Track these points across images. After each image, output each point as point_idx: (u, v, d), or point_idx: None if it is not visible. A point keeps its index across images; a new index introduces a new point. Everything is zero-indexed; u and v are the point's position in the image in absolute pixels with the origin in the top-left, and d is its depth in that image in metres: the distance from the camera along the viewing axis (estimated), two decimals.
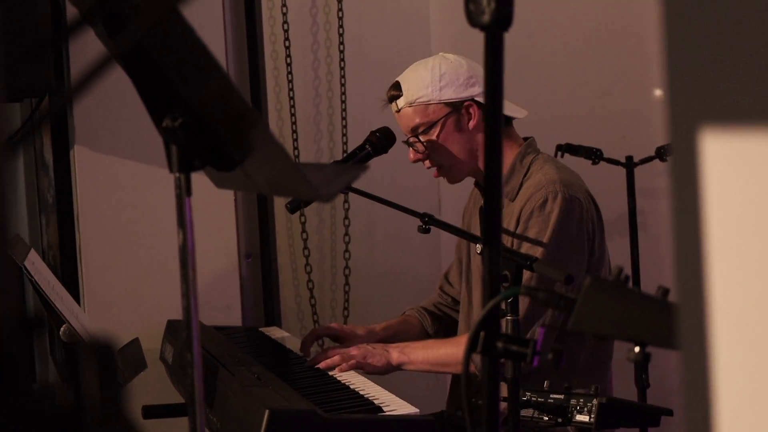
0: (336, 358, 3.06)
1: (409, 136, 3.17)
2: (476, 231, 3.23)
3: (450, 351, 3.07)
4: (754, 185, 0.65)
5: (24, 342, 0.71)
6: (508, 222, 3.07)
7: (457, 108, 3.13)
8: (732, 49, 0.67)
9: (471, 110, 3.13)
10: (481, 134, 3.14)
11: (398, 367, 3.10)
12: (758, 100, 0.63)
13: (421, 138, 3.14)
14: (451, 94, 3.11)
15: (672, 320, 1.39)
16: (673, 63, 0.67)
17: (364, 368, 3.06)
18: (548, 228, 2.98)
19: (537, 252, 2.92)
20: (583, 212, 3.03)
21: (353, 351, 3.09)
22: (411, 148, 3.18)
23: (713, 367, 0.70)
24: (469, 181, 3.32)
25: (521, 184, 3.11)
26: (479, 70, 3.11)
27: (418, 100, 3.12)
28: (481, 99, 3.12)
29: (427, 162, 3.18)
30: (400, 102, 3.15)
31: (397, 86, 3.17)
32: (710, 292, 0.69)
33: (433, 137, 3.13)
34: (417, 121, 3.14)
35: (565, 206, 3.01)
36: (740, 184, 0.66)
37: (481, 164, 3.16)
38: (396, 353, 3.09)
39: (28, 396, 0.66)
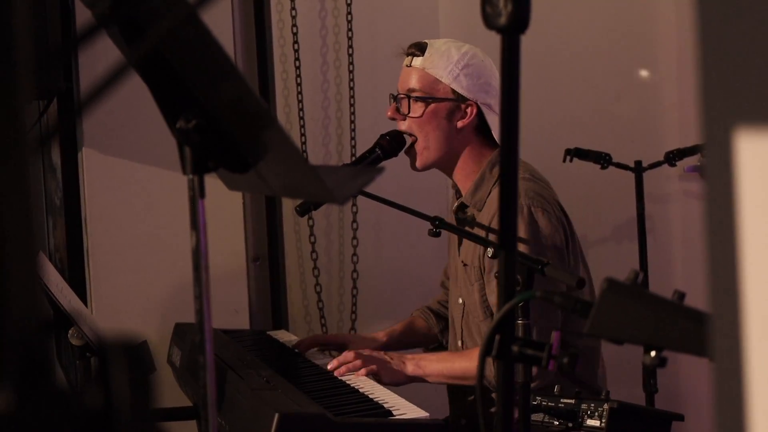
0: (359, 362, 3.04)
1: (401, 93, 3.15)
2: (454, 237, 3.23)
3: (465, 365, 3.05)
4: None
5: (49, 342, 0.71)
6: (479, 231, 3.05)
7: (459, 100, 3.10)
8: (766, 48, 0.66)
9: (469, 110, 3.10)
10: (463, 136, 3.12)
11: (413, 379, 3.08)
12: None
13: (411, 102, 3.12)
14: (463, 86, 3.08)
15: (690, 325, 1.38)
16: (707, 62, 0.66)
17: (381, 379, 3.03)
18: (521, 243, 2.95)
19: None
20: (554, 222, 3.01)
21: (371, 358, 3.07)
22: (394, 103, 3.15)
23: (747, 377, 0.69)
24: None
25: (489, 194, 3.08)
26: (498, 84, 3.09)
27: (432, 70, 3.10)
28: (484, 108, 3.10)
29: (400, 124, 3.15)
30: (416, 61, 3.12)
31: (422, 46, 3.14)
32: (745, 298, 0.68)
33: (422, 109, 3.11)
34: (418, 86, 3.11)
35: (535, 220, 2.98)
36: None
37: (458, 165, 3.15)
38: (411, 366, 3.07)
39: (56, 397, 0.66)
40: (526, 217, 2.97)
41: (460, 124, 3.10)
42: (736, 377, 0.68)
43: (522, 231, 2.95)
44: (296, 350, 3.36)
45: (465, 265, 3.13)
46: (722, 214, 0.66)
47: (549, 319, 2.93)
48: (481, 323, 3.10)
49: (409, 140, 3.13)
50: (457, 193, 3.23)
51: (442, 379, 3.10)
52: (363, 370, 3.01)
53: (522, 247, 2.92)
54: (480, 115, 3.10)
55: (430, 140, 3.11)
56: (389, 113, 3.16)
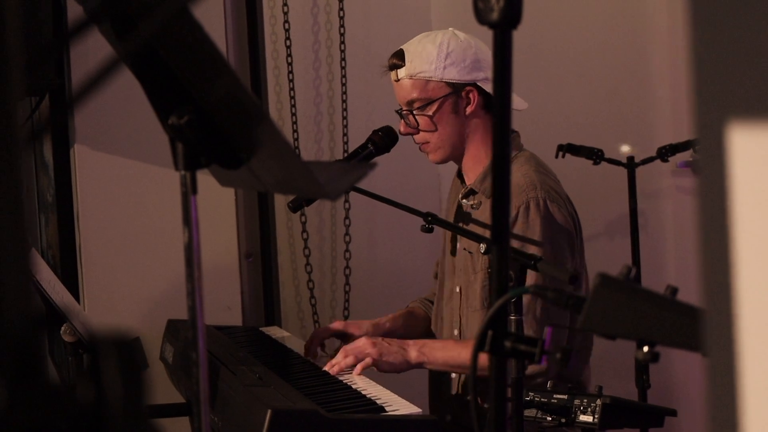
0: (350, 359, 2.98)
1: (404, 108, 3.13)
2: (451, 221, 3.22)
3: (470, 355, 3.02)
4: None
5: (42, 339, 0.71)
6: (487, 219, 3.05)
7: (457, 90, 3.08)
8: (759, 43, 0.66)
9: (471, 95, 3.08)
10: (475, 120, 3.11)
11: (416, 366, 3.02)
12: None
13: (416, 113, 3.10)
14: (454, 75, 3.06)
15: (683, 320, 1.39)
16: (699, 56, 0.66)
17: (380, 366, 2.98)
18: (534, 236, 2.95)
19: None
20: (566, 217, 3.00)
21: (368, 349, 2.99)
22: (402, 120, 3.14)
23: (740, 372, 0.69)
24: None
25: None
26: (487, 54, 3.06)
27: (419, 74, 3.07)
28: (483, 84, 3.09)
29: (416, 137, 3.13)
30: (401, 72, 3.10)
31: (400, 55, 3.11)
32: (738, 293, 0.68)
33: (428, 115, 3.09)
34: (414, 95, 3.08)
35: (549, 213, 2.97)
36: None
37: (469, 150, 3.14)
38: (415, 352, 3.00)
39: (48, 392, 0.66)
40: (542, 210, 2.96)
41: (468, 110, 3.09)
42: (729, 372, 0.68)
43: (538, 224, 2.95)
44: (308, 357, 3.30)
45: (470, 252, 3.11)
46: (715, 209, 0.66)
47: (550, 317, 2.94)
48: (476, 312, 3.08)
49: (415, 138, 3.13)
50: (462, 181, 3.22)
51: (445, 367, 3.06)
52: (358, 368, 2.96)
53: (539, 238, 2.93)
54: (482, 92, 3.09)
55: (443, 139, 3.10)
56: (402, 129, 3.14)
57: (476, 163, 3.14)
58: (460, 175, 3.25)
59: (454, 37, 3.08)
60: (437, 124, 3.08)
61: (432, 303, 3.50)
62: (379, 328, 3.32)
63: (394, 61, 3.12)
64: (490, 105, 3.10)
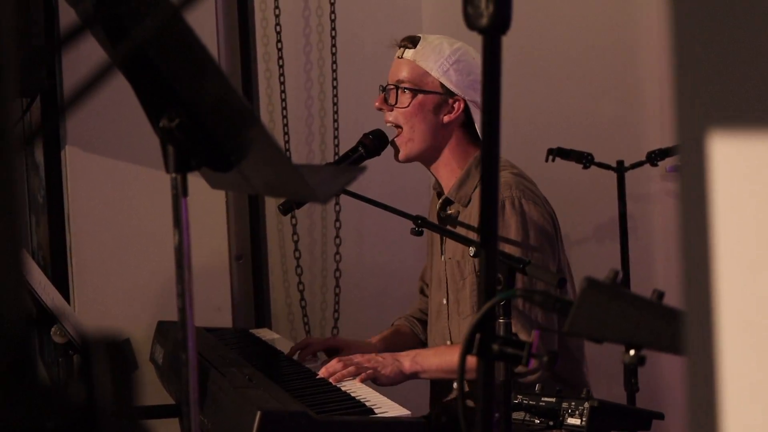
0: (352, 369, 2.97)
1: (390, 84, 3.15)
2: (436, 238, 3.22)
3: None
4: (763, 189, 0.65)
5: (34, 339, 0.72)
6: (466, 228, 3.05)
7: (447, 95, 3.10)
8: (741, 51, 0.67)
9: (456, 105, 3.10)
10: (449, 131, 3.13)
11: (411, 376, 3.03)
12: None
13: (399, 93, 3.12)
14: (452, 81, 3.08)
15: (668, 323, 1.40)
16: (681, 64, 0.67)
17: (378, 380, 2.97)
18: (510, 235, 2.95)
19: None
20: (542, 214, 3.01)
21: (365, 363, 3.00)
22: (382, 94, 3.16)
23: (719, 375, 0.70)
24: None
25: (474, 189, 3.08)
26: None
27: (422, 62, 3.10)
28: (471, 105, 3.10)
29: (387, 115, 3.14)
30: (408, 53, 3.12)
31: (415, 40, 3.14)
32: (717, 298, 0.69)
33: (409, 100, 3.11)
34: (408, 77, 3.11)
35: (524, 211, 2.98)
36: (749, 187, 0.66)
37: (441, 160, 3.15)
38: (408, 362, 3.01)
39: (40, 393, 0.66)
40: (517, 208, 2.97)
41: (446, 118, 3.10)
42: (709, 374, 0.69)
43: (513, 222, 2.95)
44: (294, 356, 3.30)
45: (457, 261, 3.11)
46: (695, 215, 0.68)
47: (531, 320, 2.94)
48: (466, 319, 3.06)
49: (396, 132, 3.14)
50: (439, 194, 3.23)
51: (440, 374, 3.05)
52: (361, 377, 2.95)
53: (516, 236, 2.93)
54: (467, 111, 3.11)
55: (414, 132, 3.11)
56: (377, 103, 3.15)
57: (450, 174, 3.15)
58: (437, 190, 3.26)
59: (468, 52, 3.11)
60: (414, 114, 3.09)
61: (417, 320, 3.48)
62: (371, 347, 3.31)
63: (407, 42, 3.15)
64: (468, 126, 3.12)
